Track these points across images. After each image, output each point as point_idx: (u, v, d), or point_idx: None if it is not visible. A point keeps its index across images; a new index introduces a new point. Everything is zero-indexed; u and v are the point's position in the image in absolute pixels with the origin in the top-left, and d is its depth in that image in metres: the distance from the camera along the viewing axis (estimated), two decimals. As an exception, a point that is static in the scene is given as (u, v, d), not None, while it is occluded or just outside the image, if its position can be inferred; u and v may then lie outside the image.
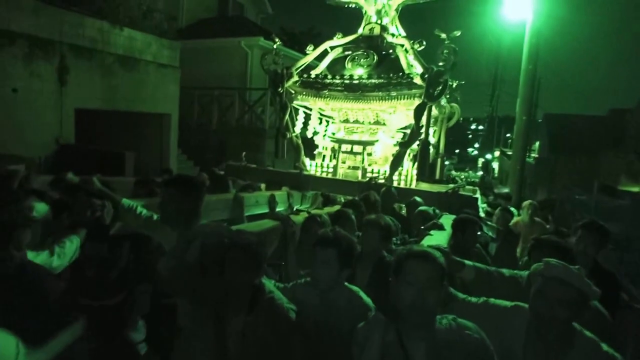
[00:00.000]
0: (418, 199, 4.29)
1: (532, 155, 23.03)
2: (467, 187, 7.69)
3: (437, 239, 2.87)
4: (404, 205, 4.71)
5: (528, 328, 1.57)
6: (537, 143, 24.22)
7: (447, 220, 3.55)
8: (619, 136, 17.35)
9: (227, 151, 10.22)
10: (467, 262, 2.13)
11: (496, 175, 28.56)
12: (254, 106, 11.41)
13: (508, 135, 29.56)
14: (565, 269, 1.54)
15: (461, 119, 7.43)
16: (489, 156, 29.75)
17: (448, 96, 6.82)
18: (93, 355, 2.04)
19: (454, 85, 6.84)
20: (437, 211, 4.21)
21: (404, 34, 6.36)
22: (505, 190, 10.73)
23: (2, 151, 5.97)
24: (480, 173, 27.17)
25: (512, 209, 5.96)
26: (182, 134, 10.18)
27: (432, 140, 6.87)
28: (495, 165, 29.16)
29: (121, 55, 8.29)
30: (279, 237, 2.87)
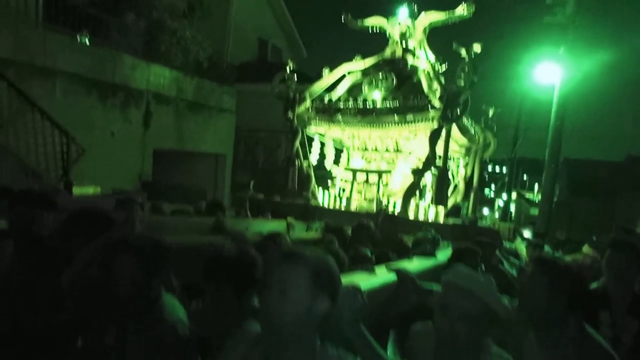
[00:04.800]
0: (432, 231, 4.01)
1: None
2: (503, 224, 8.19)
3: (414, 265, 2.68)
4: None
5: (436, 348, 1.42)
6: (556, 186, 25.50)
7: (447, 251, 3.38)
8: (636, 181, 18.96)
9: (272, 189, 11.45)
10: (435, 286, 1.95)
11: (513, 217, 29.69)
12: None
13: (525, 177, 31.13)
14: (473, 278, 1.39)
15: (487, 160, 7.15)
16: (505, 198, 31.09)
17: (482, 124, 6.64)
18: None
19: (490, 114, 6.71)
20: (440, 239, 3.95)
21: (433, 57, 6.15)
22: (527, 231, 11.70)
23: (99, 184, 7.20)
24: (497, 215, 28.29)
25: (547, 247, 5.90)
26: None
27: (462, 171, 6.76)
28: (512, 207, 30.40)
29: (190, 101, 9.74)
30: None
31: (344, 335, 1.29)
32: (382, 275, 2.16)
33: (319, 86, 6.31)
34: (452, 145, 5.94)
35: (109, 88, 7.67)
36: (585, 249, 4.72)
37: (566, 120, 9.60)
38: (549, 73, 9.15)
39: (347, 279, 1.56)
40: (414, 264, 2.74)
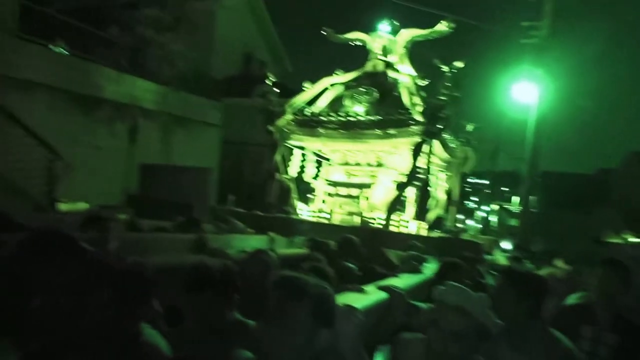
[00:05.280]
0: (418, 244, 4.10)
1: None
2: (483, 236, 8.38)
3: (402, 281, 2.67)
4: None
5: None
6: (535, 198, 26.66)
7: (433, 266, 3.38)
8: (606, 194, 20.24)
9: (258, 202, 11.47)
10: (421, 305, 1.98)
11: (496, 228, 30.42)
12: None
13: (506, 189, 32.19)
14: (467, 295, 1.40)
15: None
16: (486, 208, 31.90)
17: (462, 140, 6.73)
18: None
19: (469, 129, 6.80)
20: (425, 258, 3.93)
21: (414, 72, 6.18)
22: (507, 243, 12.06)
23: (85, 200, 7.12)
24: (479, 226, 28.96)
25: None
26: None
27: (443, 185, 6.83)
28: (493, 218, 31.24)
29: (177, 116, 9.76)
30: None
31: (341, 356, 1.27)
32: (373, 294, 2.16)
33: (300, 99, 6.29)
34: (433, 160, 5.98)
35: (94, 102, 7.65)
36: (559, 262, 4.99)
37: (543, 136, 10.08)
38: (526, 92, 9.66)
39: (339, 300, 1.56)
40: (402, 281, 2.74)
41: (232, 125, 12.97)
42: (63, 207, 5.37)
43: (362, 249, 3.63)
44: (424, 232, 5.44)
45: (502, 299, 1.72)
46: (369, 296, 2.11)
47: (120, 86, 8.21)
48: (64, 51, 7.45)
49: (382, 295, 2.14)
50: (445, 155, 6.21)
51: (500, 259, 6.27)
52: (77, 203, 5.62)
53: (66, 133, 7.08)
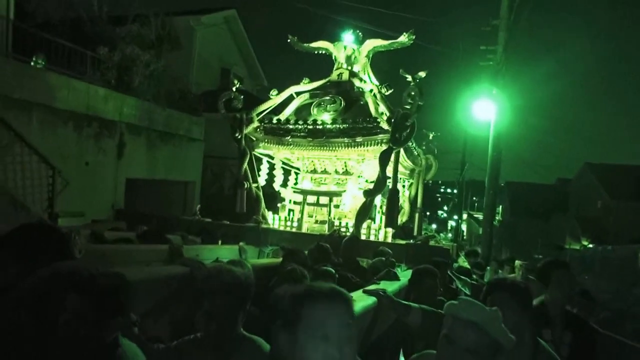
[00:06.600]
0: (387, 249, 4.10)
1: (497, 218, 26.98)
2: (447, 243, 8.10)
3: (383, 287, 2.58)
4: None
5: None
6: (501, 207, 28.40)
7: (407, 273, 3.36)
8: (565, 202, 22.05)
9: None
10: (413, 304, 2.00)
11: (465, 237, 31.91)
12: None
13: (475, 198, 33.78)
14: (480, 310, 1.37)
15: (430, 182, 7.51)
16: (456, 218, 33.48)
17: (424, 147, 6.98)
18: None
19: (430, 137, 7.13)
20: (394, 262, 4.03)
21: (376, 81, 6.28)
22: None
23: (74, 214, 7.44)
24: (449, 235, 30.37)
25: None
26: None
27: (407, 192, 7.02)
28: (464, 227, 32.78)
29: (161, 131, 10.21)
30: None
31: None
32: (360, 300, 2.13)
33: (266, 106, 6.25)
34: (399, 168, 5.98)
35: (83, 119, 8.02)
36: (510, 267, 5.66)
37: (505, 148, 11.10)
38: (485, 109, 10.79)
39: None
40: (385, 287, 2.68)
41: (211, 139, 13.38)
42: (62, 222, 5.71)
43: (333, 258, 3.62)
44: (390, 239, 5.55)
45: (504, 309, 1.62)
46: (356, 303, 2.01)
47: (108, 103, 8.62)
48: (42, 64, 7.70)
49: (369, 302, 2.14)
50: (408, 163, 6.38)
51: (464, 265, 6.66)
52: (76, 217, 5.98)
53: (58, 149, 7.36)
